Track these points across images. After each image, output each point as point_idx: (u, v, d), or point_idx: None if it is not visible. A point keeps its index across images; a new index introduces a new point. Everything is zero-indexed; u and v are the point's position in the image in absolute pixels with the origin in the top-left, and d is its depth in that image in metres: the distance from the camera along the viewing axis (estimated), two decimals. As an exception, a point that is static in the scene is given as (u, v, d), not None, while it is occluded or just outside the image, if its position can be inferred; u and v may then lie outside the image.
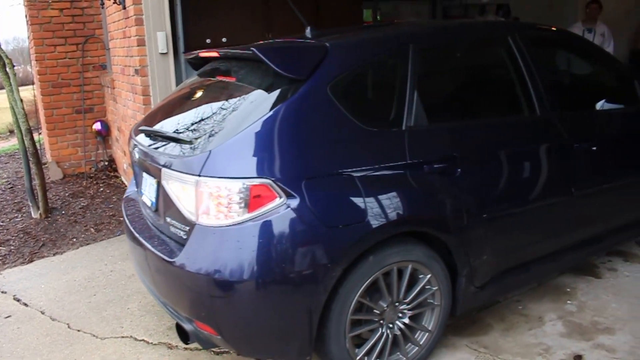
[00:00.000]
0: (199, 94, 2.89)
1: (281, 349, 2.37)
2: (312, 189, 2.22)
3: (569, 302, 3.35)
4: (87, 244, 4.70)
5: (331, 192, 2.27)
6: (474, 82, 3.09)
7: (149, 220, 2.81)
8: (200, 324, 2.36)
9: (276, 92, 2.36)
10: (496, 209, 2.77)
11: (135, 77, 4.90)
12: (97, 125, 6.93)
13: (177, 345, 3.03)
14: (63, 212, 5.58)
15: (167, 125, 2.74)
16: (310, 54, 2.46)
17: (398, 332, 2.62)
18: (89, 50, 6.91)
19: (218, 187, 2.20)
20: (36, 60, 6.78)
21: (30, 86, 9.78)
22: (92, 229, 5.03)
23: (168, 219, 2.51)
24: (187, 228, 2.34)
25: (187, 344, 2.55)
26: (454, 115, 2.86)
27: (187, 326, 2.44)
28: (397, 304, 2.58)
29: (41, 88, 6.87)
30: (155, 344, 3.10)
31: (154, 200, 2.66)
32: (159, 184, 2.55)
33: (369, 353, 2.57)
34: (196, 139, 2.40)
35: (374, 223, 2.30)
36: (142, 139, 2.84)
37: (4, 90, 5.70)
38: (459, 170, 2.59)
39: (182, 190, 2.34)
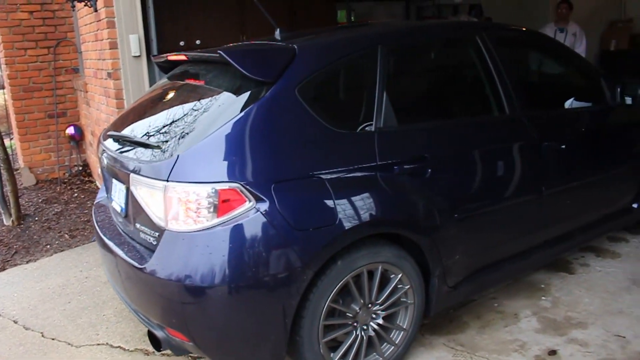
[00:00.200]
0: (167, 97, 2.86)
1: (254, 354, 2.35)
2: (281, 192, 2.21)
3: (543, 298, 3.39)
4: (62, 251, 4.63)
5: (301, 195, 2.27)
6: (443, 83, 3.11)
7: (119, 226, 2.78)
8: (172, 330, 2.34)
9: (244, 95, 2.35)
10: (467, 208, 2.79)
11: (108, 81, 4.85)
12: (70, 130, 6.84)
13: (153, 352, 3.00)
14: (36, 218, 5.50)
15: (135, 130, 2.71)
16: (278, 56, 2.45)
17: (372, 333, 2.62)
18: (61, 54, 6.81)
19: (186, 192, 2.18)
20: (6, 64, 6.66)
21: (1, 91, 9.61)
22: (66, 235, 4.96)
23: (138, 225, 2.48)
24: (157, 234, 2.32)
25: (159, 351, 2.53)
26: (424, 116, 2.87)
27: (159, 333, 2.42)
28: (369, 305, 2.58)
29: (12, 92, 6.76)
30: (131, 351, 3.07)
31: (123, 206, 2.63)
32: (128, 189, 2.52)
33: (344, 356, 2.56)
34: (164, 143, 2.37)
35: (345, 225, 2.30)
36: (110, 144, 2.80)
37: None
38: (430, 170, 2.60)
39: (151, 196, 2.32)
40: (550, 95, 3.58)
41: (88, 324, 3.38)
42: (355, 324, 2.56)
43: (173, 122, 2.48)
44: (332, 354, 2.53)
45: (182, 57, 2.85)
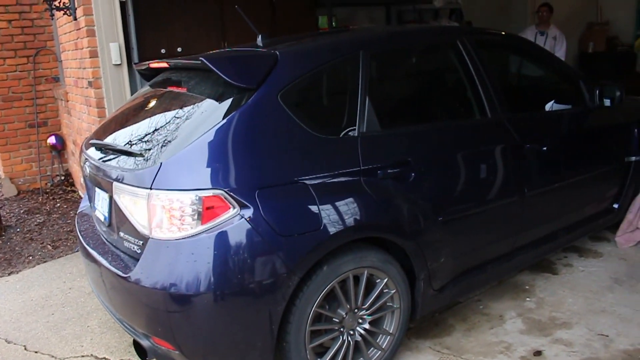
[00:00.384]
0: (150, 105, 2.85)
1: (241, 362, 2.35)
2: (265, 199, 2.21)
3: (528, 299, 3.41)
4: (44, 262, 4.57)
5: (285, 201, 2.27)
6: (425, 87, 3.13)
7: (102, 235, 2.76)
8: (158, 339, 2.32)
9: (226, 102, 2.35)
10: (451, 211, 2.81)
11: (89, 90, 4.81)
12: (51, 139, 6.76)
13: (138, 362, 2.98)
14: (18, 229, 5.43)
15: (118, 138, 2.70)
16: (259, 63, 2.45)
17: (359, 338, 2.63)
18: (41, 63, 6.74)
19: (170, 200, 2.17)
20: (-16, 74, 6.59)
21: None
22: (49, 246, 4.90)
23: (122, 234, 2.46)
24: (141, 242, 2.31)
25: (146, 360, 2.51)
26: (407, 120, 2.88)
27: (145, 342, 2.40)
28: (356, 310, 2.58)
29: (-9, 102, 6.67)
30: (116, 361, 3.04)
31: (106, 215, 2.61)
32: (111, 198, 2.50)
33: (331, 361, 2.56)
34: (147, 151, 2.36)
35: (330, 230, 2.30)
36: (92, 152, 2.78)
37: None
38: (413, 174, 2.62)
39: (134, 204, 2.30)
40: (531, 98, 3.63)
41: (72, 335, 3.34)
42: (341, 329, 2.56)
43: (156, 129, 2.47)
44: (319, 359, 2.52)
45: (164, 65, 2.85)
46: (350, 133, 2.51)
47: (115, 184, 2.42)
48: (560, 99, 3.49)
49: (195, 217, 2.17)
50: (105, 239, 2.71)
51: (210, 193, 2.16)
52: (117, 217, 2.49)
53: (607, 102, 3.61)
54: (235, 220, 2.17)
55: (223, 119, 2.26)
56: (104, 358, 3.07)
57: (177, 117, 2.45)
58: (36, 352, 3.20)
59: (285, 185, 2.28)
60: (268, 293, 2.22)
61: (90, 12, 4.49)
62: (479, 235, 3.02)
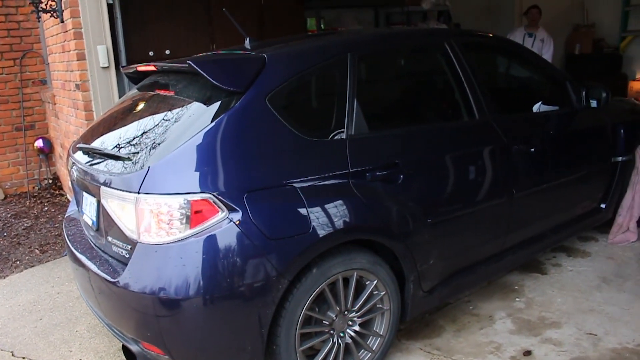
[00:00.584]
0: (138, 108, 2.83)
1: (231, 366, 2.34)
2: (254, 202, 2.20)
3: (517, 299, 3.43)
4: (32, 266, 4.53)
5: (274, 204, 2.26)
6: (413, 89, 3.15)
7: (90, 240, 2.74)
8: (147, 344, 2.31)
9: (214, 106, 2.34)
10: (440, 213, 2.82)
11: (76, 92, 4.78)
12: (39, 143, 6.71)
13: (127, 367, 2.96)
14: (5, 234, 5.38)
15: (105, 142, 2.68)
16: (247, 66, 2.44)
17: (349, 340, 2.63)
18: (28, 65, 6.70)
19: (158, 204, 2.16)
20: (-30, 77, 6.54)
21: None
22: (36, 250, 4.86)
23: (110, 238, 2.45)
24: (129, 247, 2.30)
25: (134, 365, 2.49)
26: (395, 123, 2.89)
27: (134, 347, 2.39)
28: (345, 312, 2.58)
29: (-23, 105, 6.62)
30: (105, 367, 3.02)
31: (94, 219, 2.59)
32: (99, 202, 2.49)
33: (322, 364, 2.56)
34: (134, 155, 2.35)
35: (319, 233, 2.30)
36: (80, 156, 2.77)
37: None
38: (402, 176, 2.62)
39: (122, 209, 2.29)
40: (519, 100, 3.64)
41: (60, 340, 3.31)
42: (331, 331, 2.56)
43: (143, 133, 2.46)
44: (309, 362, 2.53)
45: (152, 68, 2.83)
46: (338, 136, 2.51)
47: (102, 188, 2.40)
48: (548, 100, 3.52)
49: (184, 221, 2.16)
50: (94, 244, 2.69)
51: (198, 197, 2.15)
52: (105, 222, 2.47)
53: (593, 103, 3.64)
54: (224, 224, 2.16)
55: (211, 122, 2.25)
56: (93, 363, 3.06)
57: (165, 121, 2.44)
58: (24, 357, 3.17)
59: (273, 189, 2.28)
60: (257, 296, 2.22)
61: (78, 15, 4.45)
62: (468, 236, 3.03)
